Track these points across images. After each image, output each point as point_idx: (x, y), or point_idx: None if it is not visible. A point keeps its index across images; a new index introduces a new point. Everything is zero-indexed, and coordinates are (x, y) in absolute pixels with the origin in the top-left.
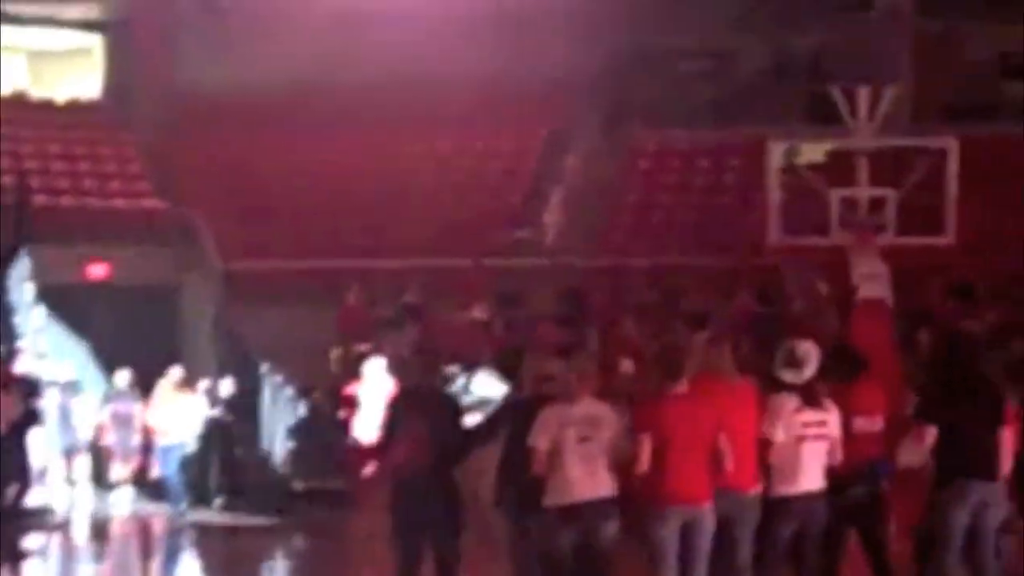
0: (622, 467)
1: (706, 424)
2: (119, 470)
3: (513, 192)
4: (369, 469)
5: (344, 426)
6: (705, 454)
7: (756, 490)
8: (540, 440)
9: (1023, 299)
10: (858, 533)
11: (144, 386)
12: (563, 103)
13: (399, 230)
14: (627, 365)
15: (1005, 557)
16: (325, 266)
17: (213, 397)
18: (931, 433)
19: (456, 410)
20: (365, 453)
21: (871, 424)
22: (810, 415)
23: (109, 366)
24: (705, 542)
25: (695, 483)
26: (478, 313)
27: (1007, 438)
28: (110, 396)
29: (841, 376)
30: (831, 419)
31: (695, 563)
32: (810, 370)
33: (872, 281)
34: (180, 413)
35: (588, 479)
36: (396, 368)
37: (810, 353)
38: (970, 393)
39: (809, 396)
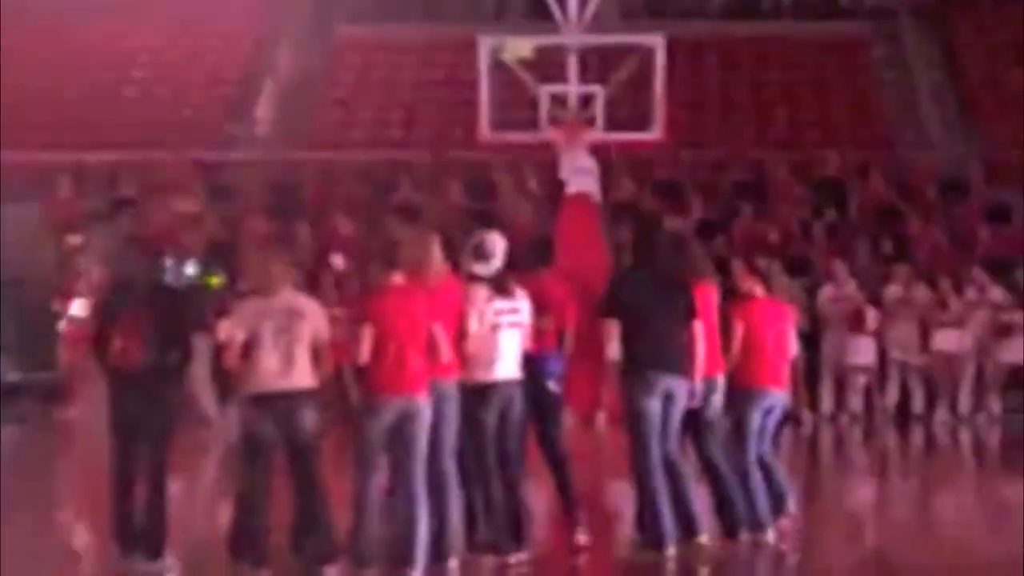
0: (331, 358)
1: (421, 316)
2: None
3: (225, 86)
4: (83, 360)
5: (58, 317)
6: (421, 346)
7: (455, 380)
8: (236, 331)
9: (728, 196)
10: (532, 425)
11: None
12: None
13: (112, 124)
14: (338, 259)
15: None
16: (37, 159)
17: None
18: (614, 328)
19: (173, 300)
20: (79, 343)
21: (543, 321)
22: (503, 304)
23: None
24: (421, 432)
25: (411, 374)
26: (190, 206)
27: (699, 331)
28: None
29: (531, 266)
30: (523, 307)
31: (410, 452)
32: (497, 261)
33: (581, 176)
34: None
35: (284, 370)
36: (108, 259)
37: (496, 244)
38: (658, 288)
39: (500, 286)
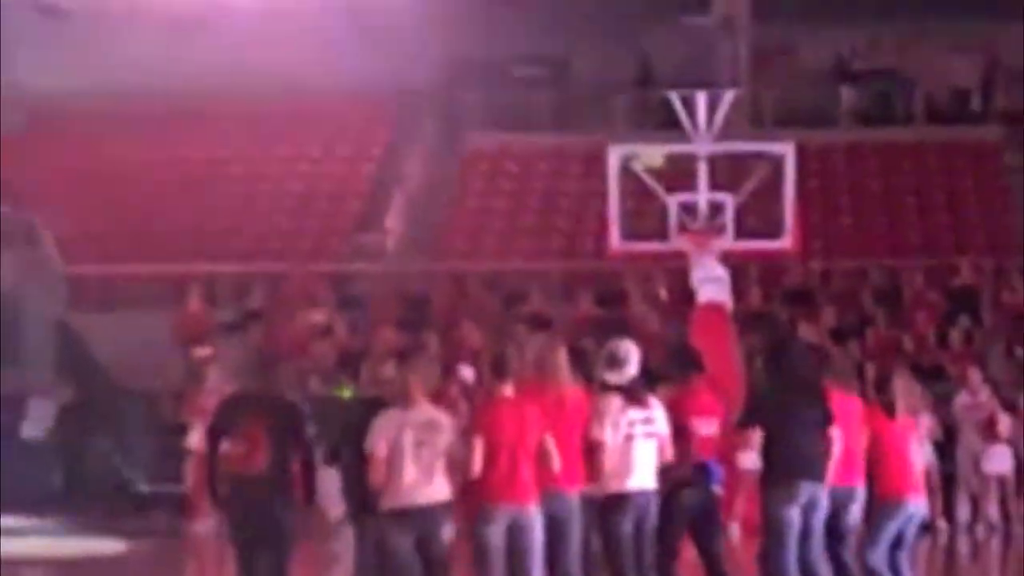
0: (458, 471)
1: (532, 426)
2: None
3: (354, 198)
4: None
5: (186, 430)
6: (531, 455)
7: (579, 490)
8: (378, 445)
9: (859, 302)
10: (692, 535)
11: None
12: (402, 109)
13: (242, 236)
14: (466, 370)
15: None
16: (167, 271)
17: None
18: (755, 437)
19: (295, 413)
20: (203, 458)
21: (707, 426)
22: (636, 413)
23: None
24: (532, 542)
25: (521, 483)
26: (319, 317)
27: (837, 438)
28: None
29: (677, 376)
30: (658, 416)
31: (523, 563)
32: (631, 369)
33: (711, 284)
34: None
35: (424, 484)
36: (235, 372)
37: (630, 352)
38: (796, 396)
39: (633, 395)
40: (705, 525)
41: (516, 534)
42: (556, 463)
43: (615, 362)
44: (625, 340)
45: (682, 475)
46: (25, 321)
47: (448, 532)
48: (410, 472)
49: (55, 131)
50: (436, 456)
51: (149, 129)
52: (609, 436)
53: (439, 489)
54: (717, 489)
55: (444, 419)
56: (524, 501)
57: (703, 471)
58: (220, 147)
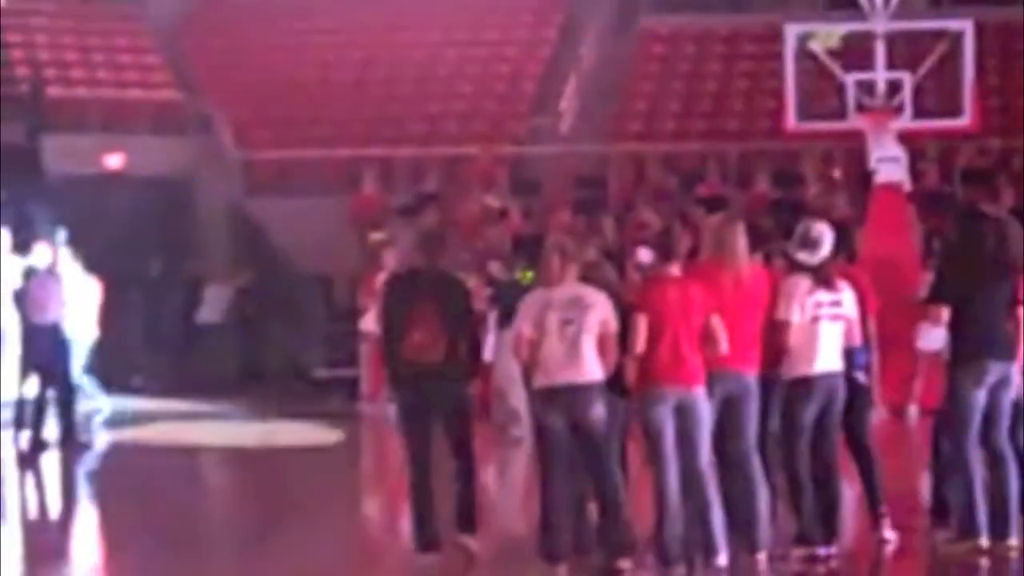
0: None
1: (698, 305)
2: None
3: (528, 81)
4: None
5: (362, 313)
6: (697, 337)
7: (757, 371)
8: (523, 325)
9: None
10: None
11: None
12: None
13: (416, 119)
14: (644, 252)
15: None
16: (342, 155)
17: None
18: (944, 313)
19: (464, 293)
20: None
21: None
22: (824, 295)
23: (129, 255)
24: (698, 423)
25: (687, 365)
26: (494, 201)
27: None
28: None
29: (845, 256)
30: (846, 299)
31: (694, 445)
32: (824, 250)
33: (889, 164)
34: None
35: (570, 362)
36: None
37: (824, 234)
38: (984, 274)
39: (823, 277)
40: (850, 409)
41: (683, 415)
42: (723, 345)
43: (808, 242)
44: (818, 221)
45: None
46: (202, 208)
47: (599, 411)
48: (555, 351)
49: (230, 17)
50: (582, 333)
51: (324, 15)
52: (796, 316)
53: (588, 368)
54: (861, 376)
55: (594, 297)
56: (690, 382)
57: (846, 355)
58: (396, 32)
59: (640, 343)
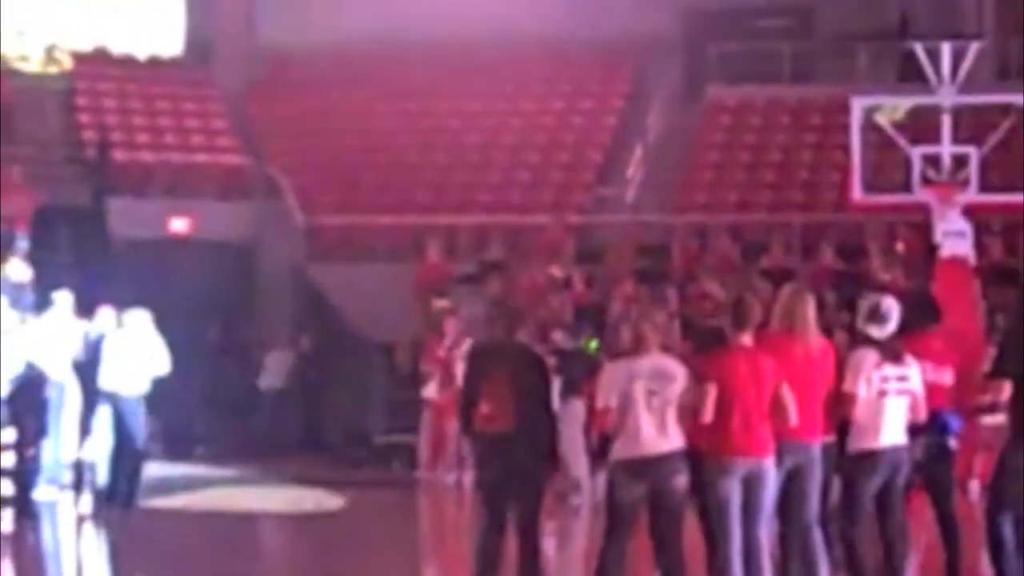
0: (687, 418)
1: (768, 376)
2: None
3: (595, 150)
4: (452, 425)
5: (425, 381)
6: (767, 406)
7: (821, 441)
8: (609, 396)
9: None
10: (924, 485)
11: (229, 342)
12: (644, 61)
13: (482, 187)
14: (558, 334)
15: None
16: (407, 222)
17: (296, 352)
18: (1006, 388)
19: (541, 366)
20: (440, 409)
21: (940, 375)
22: (892, 370)
23: (190, 320)
24: (766, 495)
25: (757, 436)
26: (558, 270)
27: None
28: None
29: (915, 325)
30: (913, 374)
31: (757, 515)
32: (892, 325)
33: (954, 238)
34: None
35: (657, 433)
36: (477, 324)
37: (893, 308)
38: None
39: (890, 351)
40: (937, 476)
41: (750, 486)
42: (793, 416)
43: (876, 316)
44: (887, 296)
45: (918, 425)
46: (265, 272)
47: (683, 482)
48: (643, 422)
49: (297, 83)
50: (667, 405)
51: (391, 81)
52: (863, 390)
53: (672, 438)
54: (952, 442)
55: (676, 368)
56: (760, 454)
57: (936, 420)
58: (464, 100)
59: (709, 413)
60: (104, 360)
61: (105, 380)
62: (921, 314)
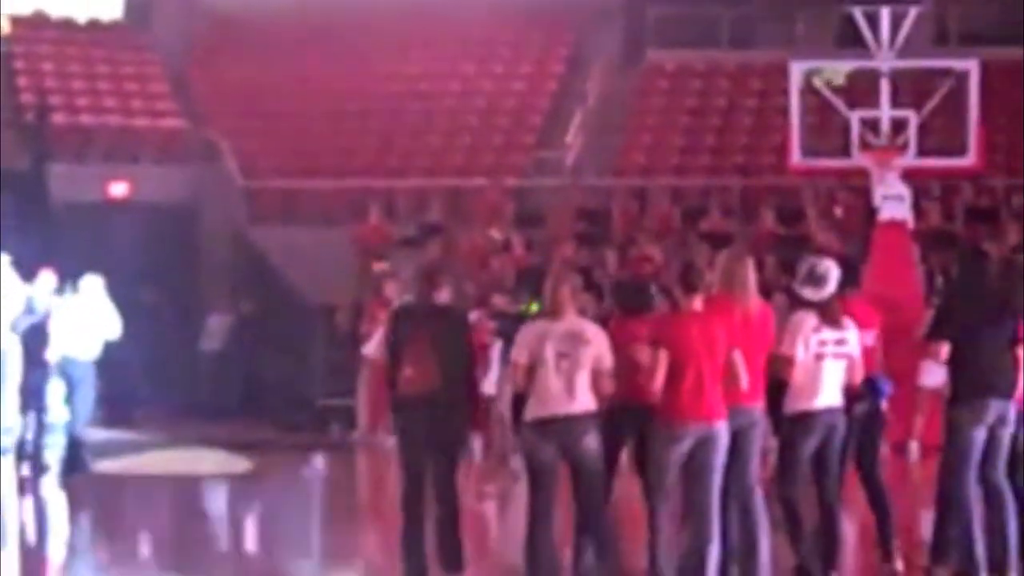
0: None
1: (720, 340)
2: None
3: (534, 113)
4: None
5: (363, 343)
6: (718, 372)
7: (762, 406)
8: (520, 355)
9: None
10: (853, 450)
11: (169, 305)
12: (583, 25)
13: (422, 151)
14: (498, 298)
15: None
16: (346, 185)
17: (236, 315)
18: (944, 350)
19: (462, 327)
20: (378, 369)
21: (866, 337)
22: (829, 333)
23: (131, 285)
24: (718, 459)
25: (708, 400)
26: (498, 233)
27: (1020, 356)
28: None
29: (838, 288)
30: (851, 337)
31: (708, 479)
32: (830, 287)
33: (893, 202)
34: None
35: (565, 394)
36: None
37: (830, 270)
38: (985, 312)
39: (829, 314)
40: (866, 438)
41: (700, 449)
42: (744, 380)
43: (814, 279)
44: (825, 258)
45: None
46: (205, 236)
47: (592, 443)
48: (550, 383)
49: (237, 46)
50: (577, 367)
51: (330, 45)
52: (800, 353)
53: (580, 401)
54: (883, 404)
55: (591, 331)
56: (711, 417)
57: (870, 384)
58: (402, 64)
59: (661, 378)
60: (55, 325)
61: (57, 345)
62: (844, 277)
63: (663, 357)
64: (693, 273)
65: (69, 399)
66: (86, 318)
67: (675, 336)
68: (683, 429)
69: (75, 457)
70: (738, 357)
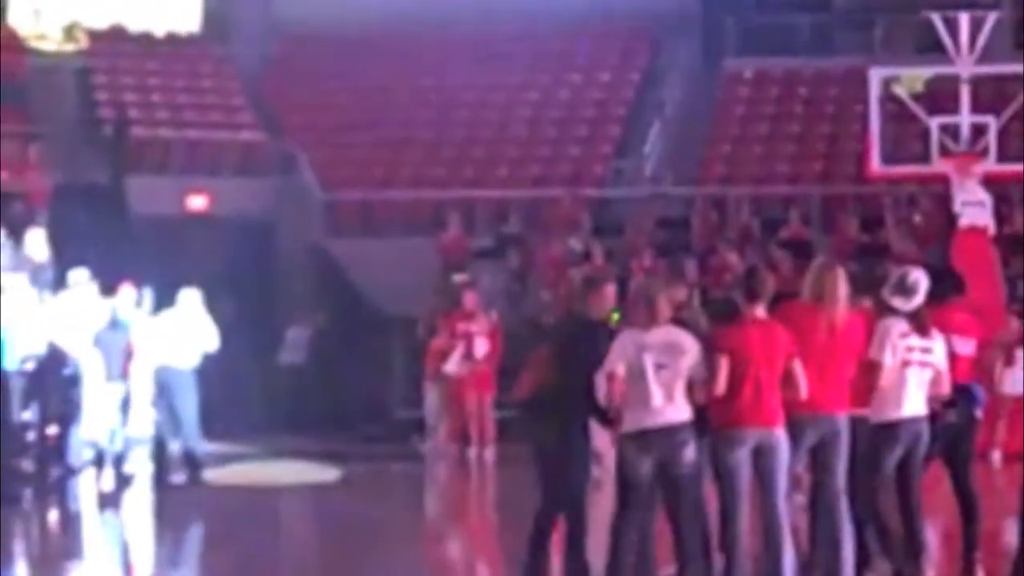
0: (699, 390)
1: (780, 348)
2: None
3: (612, 123)
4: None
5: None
6: (777, 378)
7: (847, 414)
8: (617, 364)
9: None
10: (944, 457)
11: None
12: (661, 34)
13: (500, 162)
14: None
15: None
16: (424, 196)
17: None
18: None
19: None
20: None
21: (964, 346)
22: (917, 341)
23: (209, 297)
24: (777, 464)
25: (767, 406)
26: (577, 243)
27: None
28: None
29: (938, 297)
30: (937, 348)
31: (772, 485)
32: (919, 298)
33: (974, 208)
34: None
35: (665, 404)
36: (496, 296)
37: (920, 281)
38: None
39: (917, 323)
40: (960, 447)
41: (762, 456)
42: (803, 389)
43: (904, 289)
44: (916, 268)
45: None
46: (283, 249)
47: (691, 454)
48: (650, 394)
49: (314, 59)
50: (676, 377)
51: (407, 56)
52: (888, 359)
53: (680, 410)
54: (978, 413)
55: (687, 341)
56: (769, 423)
57: (964, 392)
58: (482, 75)
59: (722, 385)
60: (137, 338)
61: (143, 358)
62: (944, 286)
63: (724, 364)
64: (755, 280)
65: (171, 409)
66: (185, 330)
67: (735, 343)
68: (742, 434)
69: (192, 465)
70: (798, 365)
